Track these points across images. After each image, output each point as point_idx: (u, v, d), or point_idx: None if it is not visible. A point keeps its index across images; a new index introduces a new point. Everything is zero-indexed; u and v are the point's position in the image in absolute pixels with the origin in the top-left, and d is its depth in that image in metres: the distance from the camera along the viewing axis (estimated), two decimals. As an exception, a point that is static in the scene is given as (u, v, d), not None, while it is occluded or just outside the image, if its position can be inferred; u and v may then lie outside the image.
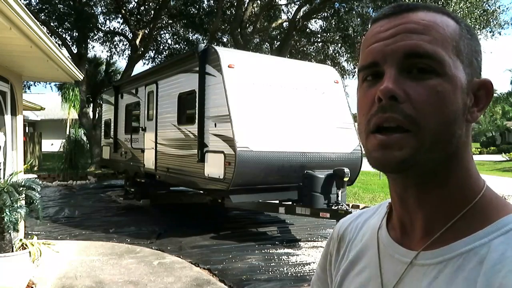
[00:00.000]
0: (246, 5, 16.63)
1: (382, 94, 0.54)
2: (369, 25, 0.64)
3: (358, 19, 15.70)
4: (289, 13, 18.67)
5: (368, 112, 0.57)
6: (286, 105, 6.65)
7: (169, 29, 21.03)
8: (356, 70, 0.63)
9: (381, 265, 0.63)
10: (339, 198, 6.20)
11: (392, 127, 0.55)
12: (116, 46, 21.62)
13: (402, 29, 0.56)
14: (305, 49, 20.08)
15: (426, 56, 0.54)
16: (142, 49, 18.79)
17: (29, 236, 4.66)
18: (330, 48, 19.45)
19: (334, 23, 16.43)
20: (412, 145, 0.54)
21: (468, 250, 0.54)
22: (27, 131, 21.85)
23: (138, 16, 19.29)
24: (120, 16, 18.96)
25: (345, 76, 19.58)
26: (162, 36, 21.61)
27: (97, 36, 20.11)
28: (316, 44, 19.96)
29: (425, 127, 0.54)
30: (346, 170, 6.14)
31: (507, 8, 16.42)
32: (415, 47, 0.55)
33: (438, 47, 0.55)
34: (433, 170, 0.57)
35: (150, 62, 21.21)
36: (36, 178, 4.68)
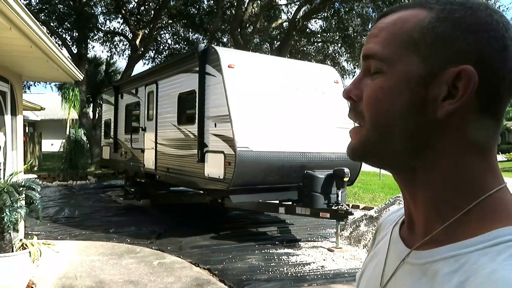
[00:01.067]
0: (246, 5, 16.64)
1: (343, 95, 0.62)
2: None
3: (358, 19, 15.71)
4: (289, 13, 18.69)
5: None
6: (286, 105, 6.65)
7: (169, 29, 21.05)
8: (356, 70, 0.68)
9: (387, 259, 0.65)
10: (339, 198, 6.20)
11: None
12: (116, 46, 21.66)
13: (370, 35, 0.61)
14: (305, 49, 20.09)
15: (370, 57, 0.58)
16: (142, 49, 18.80)
17: (29, 236, 4.66)
18: (330, 48, 19.46)
19: (334, 23, 16.44)
20: (360, 135, 0.59)
21: (449, 256, 0.52)
22: (27, 131, 21.86)
23: (138, 16, 19.30)
24: (120, 16, 18.97)
25: (345, 76, 19.60)
26: (162, 36, 21.64)
27: (97, 36, 20.15)
28: (316, 44, 19.96)
29: (369, 121, 0.58)
30: (346, 170, 6.14)
31: (507, 8, 16.39)
32: (365, 50, 0.60)
33: (382, 46, 0.57)
34: (405, 164, 0.58)
35: (150, 62, 21.27)
36: (36, 178, 4.68)
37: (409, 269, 0.58)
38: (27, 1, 15.86)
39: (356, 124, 0.61)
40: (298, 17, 16.38)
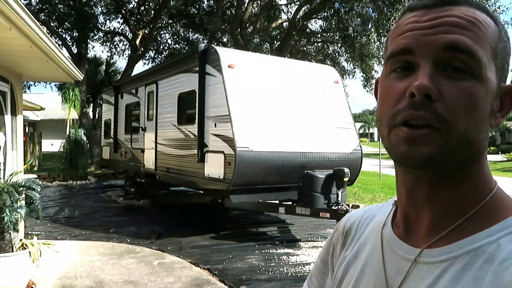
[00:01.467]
0: (246, 5, 16.63)
1: (416, 91, 0.52)
2: (401, 14, 0.61)
3: (358, 19, 15.70)
4: (289, 13, 18.69)
5: (395, 105, 0.55)
6: (286, 105, 6.65)
7: (169, 29, 21.04)
8: (386, 58, 0.60)
9: (385, 261, 0.62)
10: (339, 198, 6.20)
11: (420, 125, 0.53)
12: (116, 46, 21.66)
13: (445, 22, 0.54)
14: (305, 49, 20.09)
15: (466, 52, 0.52)
16: (142, 49, 18.79)
17: (29, 236, 4.66)
18: (330, 48, 19.45)
19: (334, 23, 16.42)
20: (440, 143, 0.53)
21: (475, 248, 0.53)
22: (27, 131, 21.86)
23: (138, 16, 19.29)
24: (120, 16, 18.97)
25: (345, 76, 19.60)
26: (162, 36, 21.64)
27: (97, 36, 20.14)
28: (316, 44, 19.96)
29: (455, 128, 0.52)
30: (346, 170, 6.15)
31: (507, 8, 16.43)
32: (457, 39, 0.53)
33: (479, 46, 0.53)
34: (452, 170, 0.56)
35: (150, 62, 21.25)
36: (36, 178, 4.68)
37: (426, 268, 0.56)
38: (27, 1, 15.87)
39: (425, 130, 0.53)
40: (298, 17, 16.38)
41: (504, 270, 0.49)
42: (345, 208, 6.08)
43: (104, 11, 19.62)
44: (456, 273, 0.53)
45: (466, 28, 0.53)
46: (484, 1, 13.77)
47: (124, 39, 20.97)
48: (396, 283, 0.59)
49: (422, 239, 0.59)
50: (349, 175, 6.17)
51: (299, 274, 4.89)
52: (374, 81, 0.70)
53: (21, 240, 4.33)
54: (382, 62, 0.67)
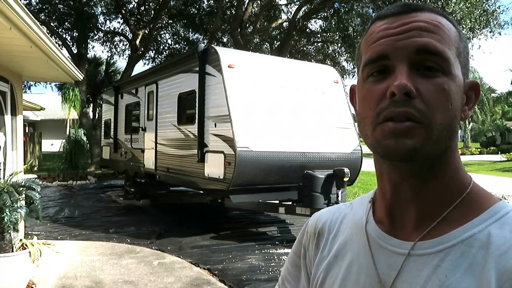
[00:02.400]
0: (246, 5, 16.63)
1: (397, 90, 0.56)
2: (371, 23, 0.65)
3: (358, 19, 15.70)
4: (289, 13, 18.69)
5: (377, 105, 0.59)
6: (286, 105, 6.65)
7: (169, 29, 21.04)
8: (359, 66, 0.62)
9: (374, 258, 0.63)
10: (339, 198, 6.20)
11: (402, 120, 0.57)
12: (116, 46, 21.66)
13: (414, 27, 0.59)
14: (305, 49, 20.08)
15: (436, 54, 0.57)
16: (142, 49, 18.79)
17: (29, 236, 4.66)
18: (330, 48, 19.45)
19: (334, 23, 16.43)
20: (423, 136, 0.56)
21: (468, 236, 0.57)
22: (27, 131, 21.86)
23: (138, 16, 19.29)
24: (120, 16, 18.96)
25: (345, 76, 19.60)
26: (162, 36, 21.63)
27: (97, 36, 20.13)
28: (316, 44, 19.96)
29: (434, 121, 0.57)
30: (346, 170, 6.14)
31: (507, 8, 16.40)
32: (428, 44, 0.58)
33: (446, 47, 0.58)
34: (434, 162, 0.60)
35: (150, 62, 21.25)
36: (36, 178, 4.68)
37: (421, 260, 0.59)
38: (27, 1, 15.87)
39: (409, 123, 0.56)
40: (298, 17, 16.38)
41: (503, 254, 0.54)
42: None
43: (104, 11, 19.63)
44: (454, 261, 0.56)
45: (433, 31, 0.59)
46: (484, 1, 13.78)
47: (124, 39, 20.98)
48: (390, 278, 0.60)
49: (411, 233, 0.61)
50: (349, 175, 6.17)
51: (299, 274, 4.89)
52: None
53: (21, 240, 4.34)
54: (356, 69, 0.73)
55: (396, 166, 0.61)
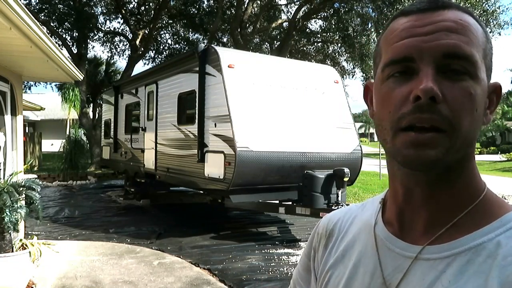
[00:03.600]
0: (246, 5, 16.64)
1: (422, 94, 0.53)
2: (393, 18, 0.62)
3: (358, 19, 15.70)
4: (289, 13, 18.69)
5: (399, 109, 0.56)
6: (286, 105, 6.65)
7: (169, 29, 21.04)
8: (377, 64, 0.59)
9: (380, 259, 0.63)
10: (339, 198, 6.20)
11: (425, 127, 0.54)
12: (117, 46, 21.66)
13: (441, 27, 0.55)
14: (305, 49, 20.08)
15: (464, 58, 0.55)
16: (142, 49, 18.79)
17: (29, 236, 4.66)
18: (330, 48, 19.45)
19: (334, 23, 16.44)
20: (446, 145, 0.54)
21: (477, 244, 0.56)
22: (27, 131, 21.86)
23: (138, 16, 19.29)
24: (120, 16, 18.96)
25: (345, 76, 19.60)
26: (162, 36, 21.63)
27: (97, 36, 20.14)
28: (316, 44, 19.96)
29: (459, 129, 0.54)
30: (346, 170, 6.14)
31: (507, 9, 16.38)
32: (456, 47, 0.55)
33: (474, 49, 0.56)
34: (450, 168, 0.58)
35: (151, 62, 21.25)
36: (36, 178, 4.68)
37: (427, 264, 0.58)
38: (27, 1, 15.87)
39: (432, 134, 0.54)
40: (298, 17, 16.38)
41: (508, 265, 0.52)
42: (345, 208, 6.06)
43: (104, 11, 19.62)
44: (459, 268, 0.55)
45: (460, 33, 0.55)
46: (484, 1, 13.78)
47: (124, 39, 20.98)
48: (395, 280, 0.60)
49: (420, 237, 0.60)
50: (349, 175, 6.17)
51: (299, 274, 4.89)
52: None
53: (21, 240, 4.34)
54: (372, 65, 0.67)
55: (413, 173, 0.59)
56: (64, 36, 18.03)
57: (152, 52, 21.33)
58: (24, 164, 5.72)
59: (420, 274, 0.58)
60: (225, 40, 20.16)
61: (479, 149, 34.24)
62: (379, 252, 0.64)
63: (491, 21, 14.07)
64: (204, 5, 19.05)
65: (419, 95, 0.53)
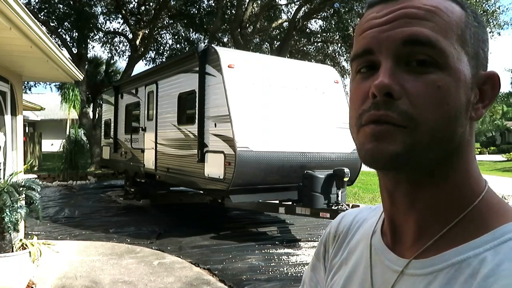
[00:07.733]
0: (246, 5, 16.64)
1: (376, 90, 0.49)
2: (364, 11, 0.58)
3: (358, 19, 15.69)
4: (289, 13, 18.70)
5: (360, 106, 0.52)
6: (286, 105, 6.65)
7: (169, 29, 21.05)
8: (350, 60, 0.57)
9: (372, 271, 0.59)
10: (339, 198, 6.20)
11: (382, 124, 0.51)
12: (117, 47, 21.67)
13: (401, 14, 0.51)
14: (305, 49, 20.09)
15: (427, 44, 0.49)
16: (142, 49, 18.80)
17: (29, 236, 4.65)
18: (330, 48, 19.46)
19: (334, 23, 16.45)
20: (406, 141, 0.49)
21: (460, 260, 0.50)
22: (27, 131, 21.85)
23: (138, 16, 19.29)
24: (120, 16, 18.97)
25: (345, 76, 19.59)
26: (163, 36, 21.64)
27: (97, 36, 20.15)
28: (316, 44, 19.97)
29: (423, 124, 0.49)
30: (346, 170, 6.14)
31: (507, 9, 16.43)
32: (416, 33, 0.49)
33: (441, 36, 0.49)
34: (430, 168, 0.52)
35: (151, 62, 21.26)
36: (36, 178, 4.68)
37: (411, 281, 0.53)
38: (27, 1, 15.87)
39: (387, 126, 0.50)
40: (298, 17, 16.39)
41: (488, 287, 0.46)
42: (345, 208, 6.07)
43: (104, 11, 19.64)
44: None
45: (425, 18, 0.50)
46: (484, 2, 13.79)
47: (124, 39, 20.98)
48: None
49: (409, 248, 0.55)
50: (349, 175, 6.17)
51: (299, 274, 4.89)
52: None
53: (21, 240, 4.33)
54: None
55: (387, 174, 0.55)
56: (64, 36, 18.04)
57: (153, 52, 21.35)
58: (24, 164, 5.72)
59: None
60: (225, 40, 20.17)
61: (479, 149, 34.24)
62: (372, 263, 0.60)
63: (491, 21, 14.08)
64: (204, 5, 19.09)
65: (373, 92, 0.50)
